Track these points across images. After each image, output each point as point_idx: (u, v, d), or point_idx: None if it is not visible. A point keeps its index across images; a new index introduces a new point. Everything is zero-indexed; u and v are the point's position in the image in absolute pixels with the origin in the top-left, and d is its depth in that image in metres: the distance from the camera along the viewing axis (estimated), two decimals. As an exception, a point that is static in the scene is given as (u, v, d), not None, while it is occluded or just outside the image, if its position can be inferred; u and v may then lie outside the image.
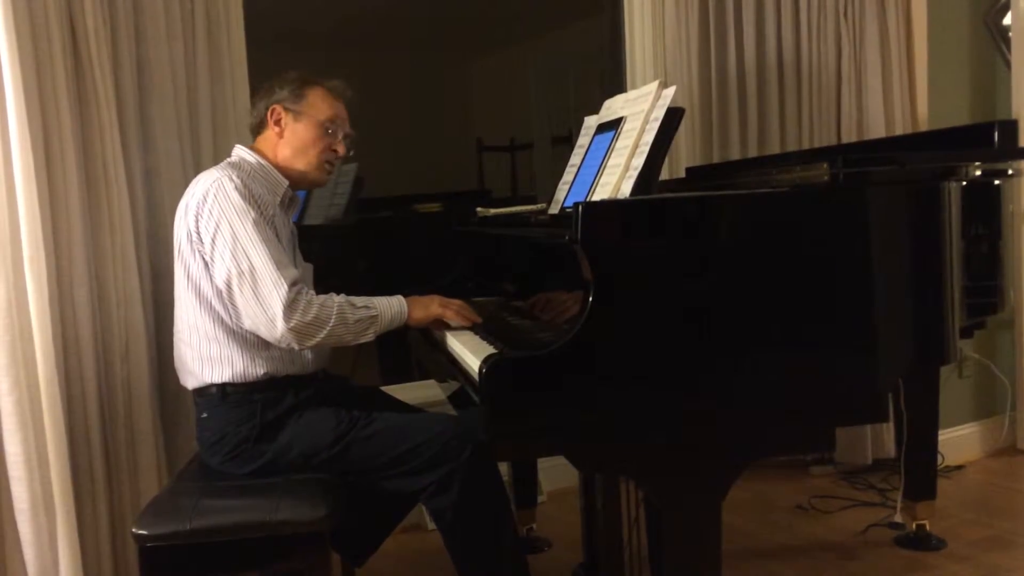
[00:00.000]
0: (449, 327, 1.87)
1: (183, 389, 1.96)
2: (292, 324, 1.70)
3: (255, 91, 1.99)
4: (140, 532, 1.64)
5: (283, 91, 1.92)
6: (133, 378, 2.14)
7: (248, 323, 1.75)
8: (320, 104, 1.92)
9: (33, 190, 1.93)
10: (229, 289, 1.74)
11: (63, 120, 2.02)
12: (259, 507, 1.67)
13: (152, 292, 2.21)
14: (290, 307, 1.70)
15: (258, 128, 1.95)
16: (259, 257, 1.72)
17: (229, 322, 1.79)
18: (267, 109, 1.92)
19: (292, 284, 1.72)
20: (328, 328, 1.73)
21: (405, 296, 1.86)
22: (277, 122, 1.91)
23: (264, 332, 1.74)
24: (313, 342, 1.74)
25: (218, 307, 1.79)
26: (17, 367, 1.94)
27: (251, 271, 1.72)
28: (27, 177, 1.91)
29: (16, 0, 1.90)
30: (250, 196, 1.77)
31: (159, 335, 2.22)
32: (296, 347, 1.75)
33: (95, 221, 2.10)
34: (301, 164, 1.92)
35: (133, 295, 2.13)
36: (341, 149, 1.96)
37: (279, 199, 1.90)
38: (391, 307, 1.81)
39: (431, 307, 1.86)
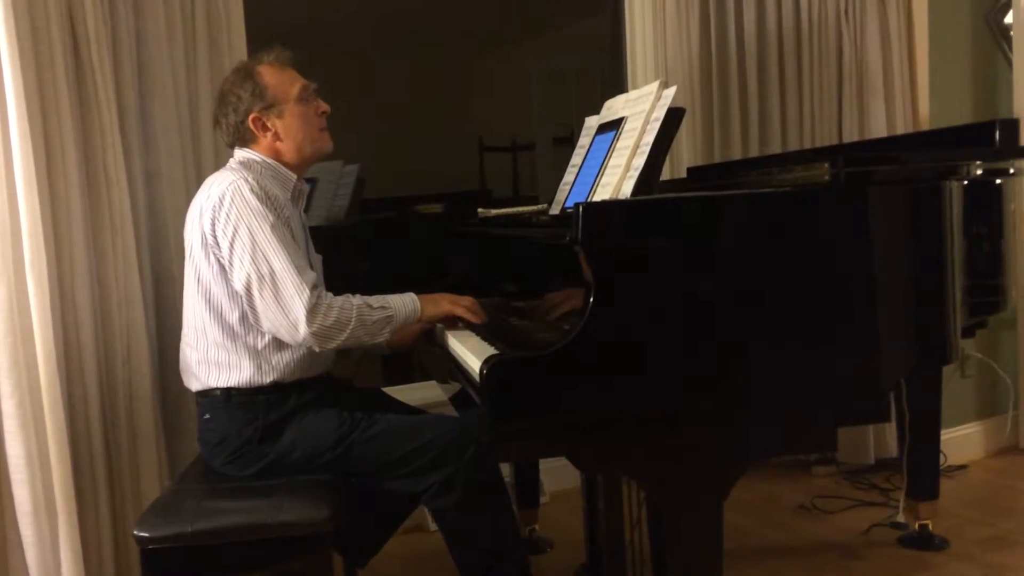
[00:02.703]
0: (456, 325, 1.88)
1: (185, 390, 1.96)
2: (314, 328, 1.71)
3: (215, 117, 1.93)
4: (141, 534, 1.64)
5: (245, 98, 1.86)
6: (134, 380, 2.14)
7: (268, 326, 1.76)
8: (280, 83, 1.88)
9: (34, 192, 1.93)
10: (249, 293, 1.74)
11: (64, 121, 2.02)
12: (261, 508, 1.67)
13: (153, 293, 2.21)
14: (312, 312, 1.70)
15: (241, 142, 1.90)
16: (279, 262, 1.72)
17: (238, 329, 1.79)
18: (242, 123, 1.87)
19: (313, 288, 1.73)
20: (348, 330, 1.74)
21: (416, 293, 1.87)
22: (264, 128, 1.88)
23: (286, 336, 1.74)
24: (334, 344, 1.74)
25: (227, 313, 1.79)
26: (18, 369, 1.94)
27: (271, 276, 1.72)
28: (28, 179, 1.92)
29: (17, 1, 1.90)
30: (266, 198, 1.76)
31: (160, 336, 2.22)
32: (317, 349, 1.76)
33: (96, 222, 2.10)
34: (308, 146, 1.91)
35: (134, 296, 2.13)
36: (325, 106, 1.94)
37: (290, 194, 1.90)
38: (405, 306, 1.83)
39: (442, 304, 1.87)
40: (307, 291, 1.71)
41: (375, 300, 1.80)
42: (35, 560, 1.98)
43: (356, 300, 1.77)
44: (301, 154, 1.91)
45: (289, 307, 1.71)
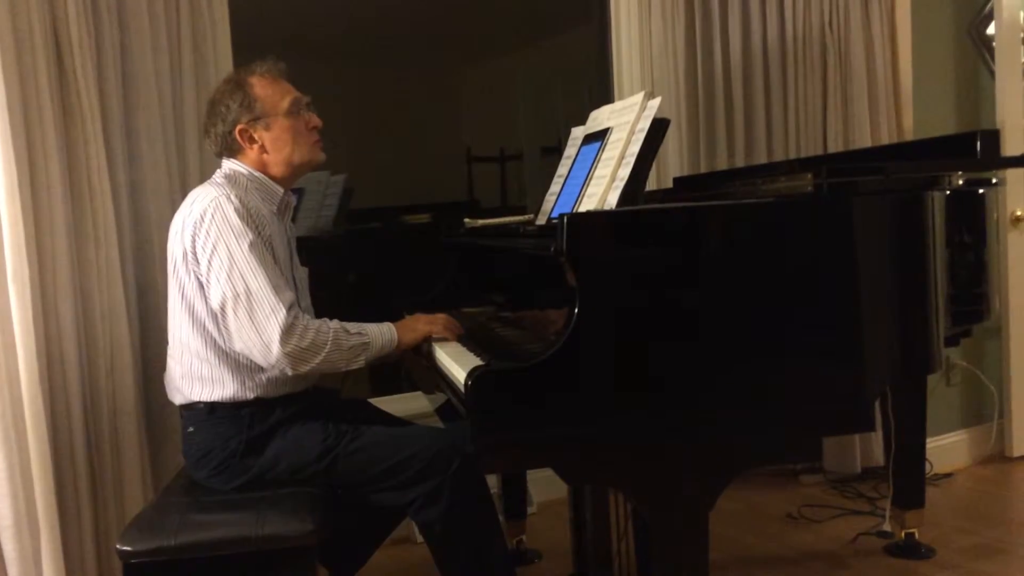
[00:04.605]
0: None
1: (169, 403, 1.95)
2: (288, 349, 1.69)
3: (205, 126, 1.91)
4: (124, 548, 1.63)
5: (233, 108, 1.84)
6: (118, 392, 2.12)
7: (240, 346, 1.74)
8: (271, 95, 1.86)
9: (16, 203, 1.91)
10: (223, 312, 1.72)
11: (47, 132, 2.00)
12: (245, 521, 1.66)
13: (137, 305, 2.20)
14: (287, 332, 1.69)
15: (228, 152, 1.89)
16: (256, 281, 1.71)
17: (222, 344, 1.78)
18: (229, 133, 1.85)
19: (289, 308, 1.71)
20: (323, 354, 1.72)
21: (393, 321, 1.87)
22: (251, 140, 1.86)
23: (258, 356, 1.72)
24: (307, 367, 1.73)
25: (211, 328, 1.78)
26: (0, 382, 1.92)
27: (247, 295, 1.70)
28: (10, 190, 1.90)
29: (-1, 12, 1.90)
30: (248, 216, 1.74)
31: (144, 349, 2.20)
32: (290, 372, 1.73)
33: (79, 234, 2.08)
34: (297, 158, 1.89)
35: (118, 308, 2.11)
36: (317, 120, 1.93)
37: (275, 207, 1.89)
38: (382, 334, 1.82)
39: (418, 328, 1.88)
40: (283, 311, 1.70)
41: (352, 326, 1.79)
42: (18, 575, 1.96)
43: (333, 324, 1.76)
44: (289, 167, 1.90)
45: (263, 327, 1.69)
